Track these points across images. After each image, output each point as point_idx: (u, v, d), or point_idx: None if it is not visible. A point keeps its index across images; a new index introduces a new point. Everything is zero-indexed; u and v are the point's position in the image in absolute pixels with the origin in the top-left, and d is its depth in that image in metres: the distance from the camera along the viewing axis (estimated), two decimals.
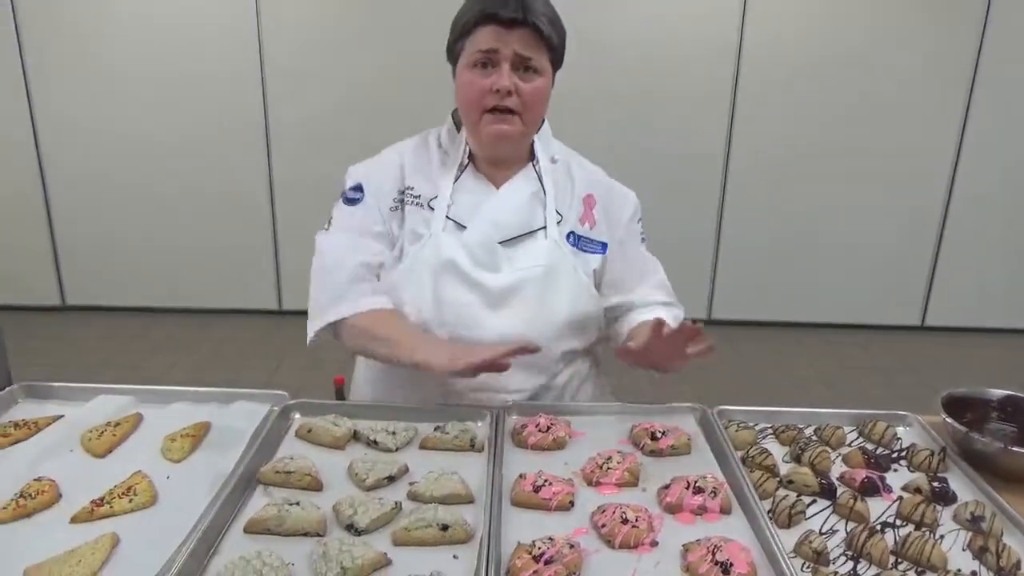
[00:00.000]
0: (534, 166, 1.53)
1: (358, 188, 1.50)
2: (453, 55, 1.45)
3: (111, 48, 4.16)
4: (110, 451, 1.24)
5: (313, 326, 1.46)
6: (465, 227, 1.46)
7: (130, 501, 1.09)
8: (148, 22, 4.13)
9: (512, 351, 1.27)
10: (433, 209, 1.47)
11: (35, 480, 1.12)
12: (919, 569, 1.01)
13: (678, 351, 1.29)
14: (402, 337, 1.39)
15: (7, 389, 1.40)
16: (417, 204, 1.48)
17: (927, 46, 4.18)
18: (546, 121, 1.55)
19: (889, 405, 1.45)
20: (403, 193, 1.49)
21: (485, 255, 1.45)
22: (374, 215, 1.49)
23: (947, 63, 4.21)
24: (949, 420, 1.28)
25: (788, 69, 4.23)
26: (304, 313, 1.46)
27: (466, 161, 1.50)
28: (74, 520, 1.06)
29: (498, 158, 1.50)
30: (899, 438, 1.36)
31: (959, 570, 1.00)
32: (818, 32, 4.18)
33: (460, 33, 1.40)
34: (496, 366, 1.27)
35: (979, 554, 1.04)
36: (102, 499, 1.09)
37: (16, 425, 1.29)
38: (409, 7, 3.85)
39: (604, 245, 1.55)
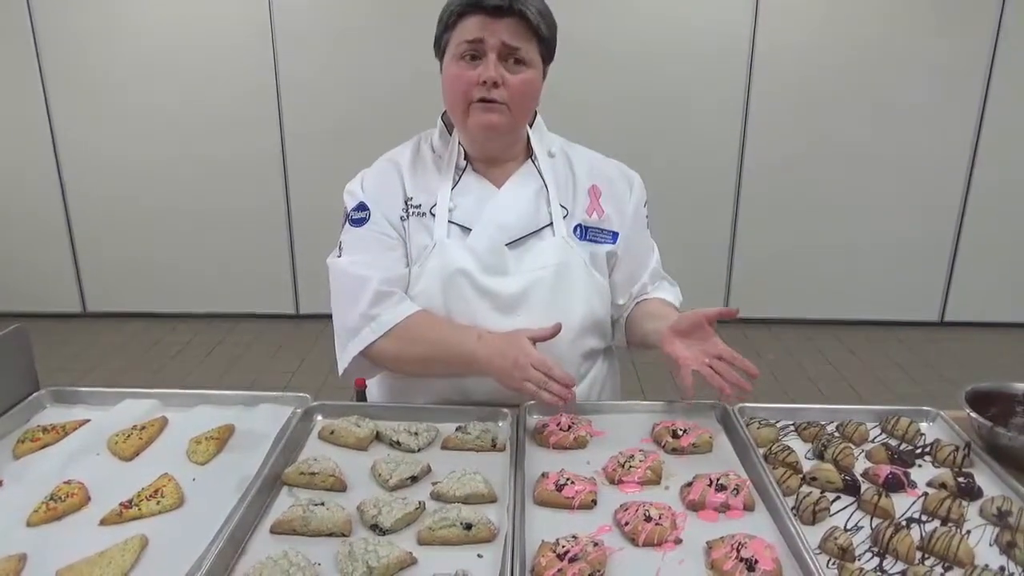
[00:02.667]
0: (533, 161, 1.49)
1: (362, 207, 1.45)
2: (440, 48, 1.41)
3: (127, 61, 4.23)
4: (137, 454, 1.26)
5: (347, 354, 1.41)
6: (470, 230, 1.43)
7: (158, 503, 1.11)
8: (165, 47, 4.21)
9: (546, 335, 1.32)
10: (435, 216, 1.44)
11: (65, 483, 1.14)
12: (946, 565, 1.01)
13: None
14: (458, 347, 1.37)
15: (34, 394, 1.42)
16: (419, 214, 1.45)
17: (941, 42, 4.14)
18: (539, 115, 1.51)
19: (909, 401, 1.43)
20: (407, 203, 1.46)
21: (493, 260, 1.42)
22: (385, 229, 1.44)
23: (962, 59, 4.17)
24: (974, 415, 1.27)
25: (801, 69, 4.22)
26: (321, 316, 1.45)
27: (463, 163, 1.47)
28: (103, 522, 1.08)
29: (489, 154, 1.47)
30: (923, 434, 1.35)
31: (987, 566, 0.99)
32: (831, 32, 4.15)
33: (446, 25, 1.36)
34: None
35: (1007, 549, 1.03)
36: (130, 501, 1.10)
37: (44, 430, 1.30)
38: (422, 17, 3.88)
39: (615, 234, 1.52)
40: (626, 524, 1.06)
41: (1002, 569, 0.99)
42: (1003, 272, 4.56)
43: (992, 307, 4.62)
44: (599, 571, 0.97)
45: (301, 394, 1.41)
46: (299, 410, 1.37)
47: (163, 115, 4.32)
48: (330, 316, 1.46)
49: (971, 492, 1.16)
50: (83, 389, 1.44)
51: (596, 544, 1.00)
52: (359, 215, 1.46)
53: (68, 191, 4.45)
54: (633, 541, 1.04)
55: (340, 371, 1.45)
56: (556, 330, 1.33)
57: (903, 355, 4.26)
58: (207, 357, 4.17)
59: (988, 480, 1.20)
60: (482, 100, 1.34)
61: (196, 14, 4.16)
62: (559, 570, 0.96)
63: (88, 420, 1.35)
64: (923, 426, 1.37)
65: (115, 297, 4.69)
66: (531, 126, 1.50)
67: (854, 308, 4.64)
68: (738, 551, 0.99)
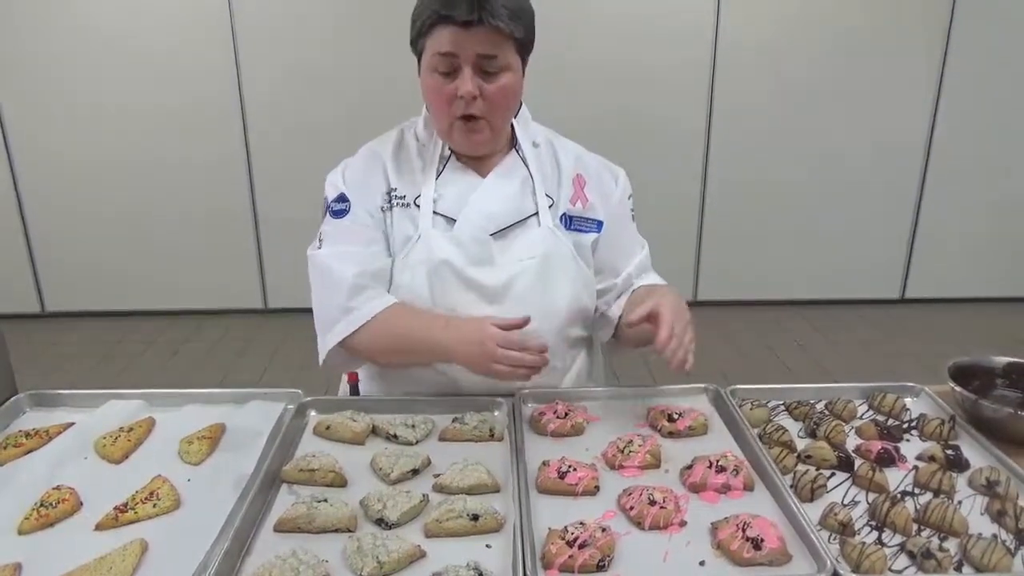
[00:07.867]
0: (517, 151, 1.48)
1: (342, 198, 1.44)
2: (416, 49, 1.38)
3: (80, 53, 4.08)
4: (126, 456, 1.23)
5: (326, 344, 1.40)
6: (455, 220, 1.41)
7: (154, 506, 1.08)
8: (120, 38, 4.09)
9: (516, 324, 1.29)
10: (419, 207, 1.43)
11: (54, 489, 1.11)
12: (942, 535, 1.04)
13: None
14: (426, 336, 1.36)
15: (13, 398, 1.37)
16: (403, 205, 1.43)
17: (900, 19, 4.23)
18: (523, 105, 1.50)
19: (878, 377, 1.47)
20: (390, 194, 1.44)
21: (478, 250, 1.41)
22: (365, 220, 1.43)
23: (919, 37, 4.27)
24: (958, 389, 1.31)
25: (764, 58, 4.27)
26: (291, 311, 1.44)
27: (447, 153, 1.45)
28: (99, 527, 1.05)
29: (473, 156, 1.46)
30: (908, 409, 1.38)
31: (980, 534, 1.02)
32: (793, 20, 4.22)
33: (419, 31, 1.33)
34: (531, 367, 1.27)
35: (997, 517, 1.07)
36: (125, 505, 1.08)
37: (27, 435, 1.26)
38: (388, 13, 3.86)
39: (600, 223, 1.52)
40: (631, 508, 1.07)
41: (995, 536, 1.02)
42: (958, 251, 4.71)
43: (948, 284, 4.79)
44: (608, 556, 0.98)
45: (293, 390, 1.39)
46: (291, 406, 1.35)
47: (120, 109, 4.18)
48: (300, 310, 1.45)
49: (959, 464, 1.19)
50: (64, 392, 1.40)
51: (604, 529, 1.01)
52: (339, 207, 1.44)
53: (21, 186, 4.29)
54: (639, 525, 1.05)
55: (320, 362, 1.44)
56: (524, 321, 1.30)
57: (867, 332, 4.38)
58: (174, 355, 4.08)
59: (973, 451, 1.24)
60: (463, 118, 1.34)
61: (152, 4, 4.04)
62: (570, 556, 0.96)
63: (72, 423, 1.31)
64: (908, 401, 1.41)
65: (75, 295, 4.54)
66: (515, 116, 1.49)
67: (819, 288, 4.74)
68: (744, 530, 1.00)
